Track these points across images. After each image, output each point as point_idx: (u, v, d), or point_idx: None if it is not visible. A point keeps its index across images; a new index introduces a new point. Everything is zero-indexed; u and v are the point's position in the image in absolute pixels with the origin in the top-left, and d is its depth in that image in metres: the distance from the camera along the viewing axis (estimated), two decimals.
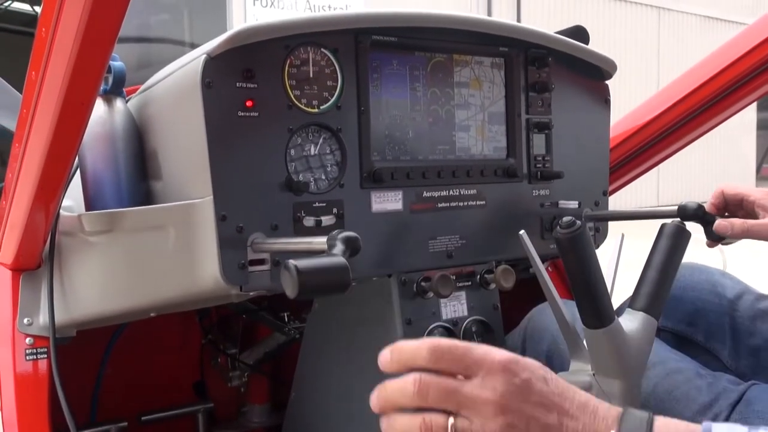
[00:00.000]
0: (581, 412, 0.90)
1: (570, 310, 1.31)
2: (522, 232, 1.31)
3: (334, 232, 1.17)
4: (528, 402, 0.88)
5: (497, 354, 0.90)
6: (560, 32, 1.76)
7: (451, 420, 0.88)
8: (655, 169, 2.18)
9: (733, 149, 19.75)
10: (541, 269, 1.29)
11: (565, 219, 1.20)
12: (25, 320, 1.52)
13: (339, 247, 1.13)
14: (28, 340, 1.50)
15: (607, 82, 1.82)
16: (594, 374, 1.29)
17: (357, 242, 1.15)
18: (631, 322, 1.30)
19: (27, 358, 1.49)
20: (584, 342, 1.31)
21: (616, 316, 1.26)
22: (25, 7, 14.55)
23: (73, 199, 1.53)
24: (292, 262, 1.05)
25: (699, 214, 1.60)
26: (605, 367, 1.27)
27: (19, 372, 1.48)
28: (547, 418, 0.88)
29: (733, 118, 2.01)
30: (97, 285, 1.49)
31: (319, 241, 1.19)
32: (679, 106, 1.92)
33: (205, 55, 1.28)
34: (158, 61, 1.48)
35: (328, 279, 1.07)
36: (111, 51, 0.98)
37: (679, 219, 1.45)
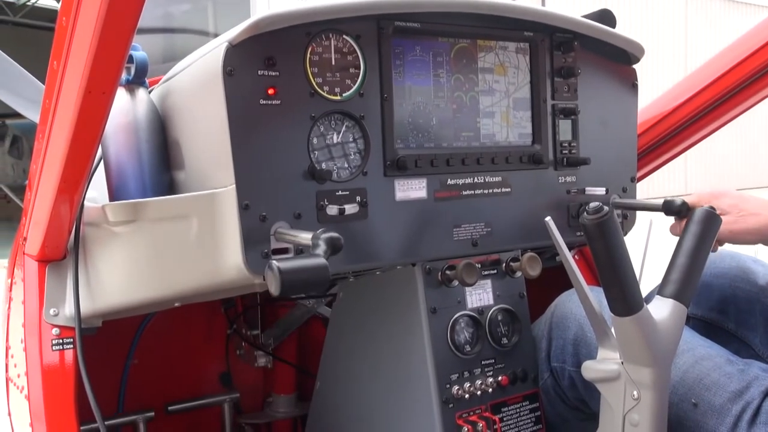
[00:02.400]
0: None
1: (597, 297, 1.29)
2: (548, 218, 1.29)
3: (318, 231, 1.20)
4: None
5: None
6: (586, 16, 1.74)
7: None
8: (682, 156, 2.15)
9: (763, 135, 19.47)
10: (568, 255, 1.27)
11: (593, 204, 1.18)
12: (51, 311, 1.52)
13: (321, 247, 1.17)
14: (54, 330, 1.51)
15: (634, 66, 1.79)
16: (622, 362, 1.28)
17: (339, 242, 1.19)
18: (660, 309, 1.28)
19: (53, 348, 1.50)
20: (612, 329, 1.29)
21: (644, 303, 1.24)
22: (52, 3, 14.67)
23: (97, 190, 1.54)
24: (275, 262, 1.10)
25: (683, 210, 1.62)
26: (633, 354, 1.25)
27: (45, 362, 1.49)
28: None
29: (762, 105, 1.97)
30: (122, 275, 1.49)
31: (305, 237, 1.23)
32: (707, 90, 1.89)
33: (226, 44, 1.27)
34: (184, 54, 1.48)
35: (308, 278, 1.12)
36: (131, 38, 0.97)
37: (711, 206, 1.43)
